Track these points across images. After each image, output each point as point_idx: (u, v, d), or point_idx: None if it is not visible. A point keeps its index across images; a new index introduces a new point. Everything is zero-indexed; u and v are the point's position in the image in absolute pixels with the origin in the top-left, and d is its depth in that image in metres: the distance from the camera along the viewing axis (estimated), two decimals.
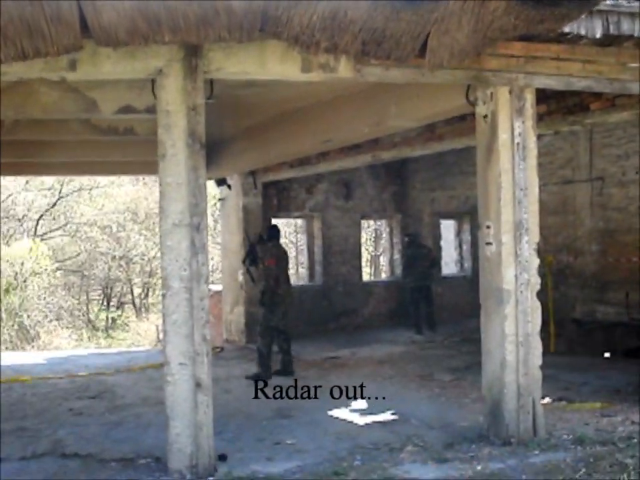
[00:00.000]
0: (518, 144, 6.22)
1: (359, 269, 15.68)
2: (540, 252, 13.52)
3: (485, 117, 6.40)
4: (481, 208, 6.58)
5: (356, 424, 7.30)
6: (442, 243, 16.57)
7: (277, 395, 8.71)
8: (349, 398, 8.39)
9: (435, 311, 14.60)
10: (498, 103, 6.23)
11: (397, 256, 16.34)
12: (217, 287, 14.61)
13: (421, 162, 15.76)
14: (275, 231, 10.49)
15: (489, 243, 6.42)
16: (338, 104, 8.36)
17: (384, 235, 20.76)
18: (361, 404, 8.18)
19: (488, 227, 6.41)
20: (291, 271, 21.74)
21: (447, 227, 17.30)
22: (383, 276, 17.52)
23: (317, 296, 14.87)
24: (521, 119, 6.23)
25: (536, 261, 6.38)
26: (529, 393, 6.24)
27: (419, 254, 14.34)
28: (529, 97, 6.28)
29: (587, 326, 12.89)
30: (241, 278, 13.47)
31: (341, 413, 7.79)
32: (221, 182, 13.28)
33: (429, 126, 9.46)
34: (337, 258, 15.07)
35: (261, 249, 10.37)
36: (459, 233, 17.38)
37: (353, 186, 15.31)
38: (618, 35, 6.02)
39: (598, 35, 5.95)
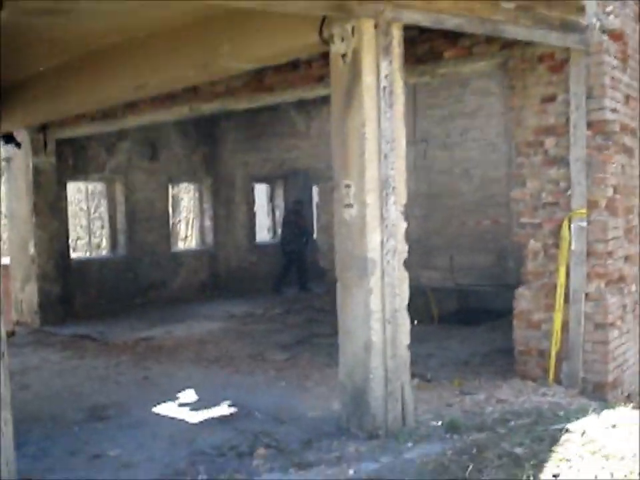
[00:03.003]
0: (384, 88, 5.29)
1: (167, 237, 14.28)
2: None
3: (344, 56, 5.39)
4: (337, 164, 5.61)
5: (189, 422, 6.14)
6: (255, 209, 15.59)
7: (87, 387, 7.33)
8: (175, 390, 7.16)
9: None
10: (362, 39, 5.24)
11: (208, 223, 15.11)
12: (4, 260, 12.60)
13: (233, 121, 14.62)
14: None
15: (348, 205, 5.47)
16: (156, 41, 6.98)
17: (184, 200, 19.43)
18: (190, 395, 7.00)
19: (347, 187, 5.46)
20: (83, 242, 19.84)
21: (260, 192, 16.36)
22: (193, 245, 16.21)
23: (120, 268, 13.31)
24: (388, 59, 5.30)
25: (403, 225, 5.55)
26: (397, 377, 5.41)
27: (290, 220, 14.61)
28: (397, 34, 5.36)
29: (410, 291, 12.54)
30: (32, 250, 11.62)
31: (168, 408, 6.57)
32: (8, 139, 11.27)
33: (257, 75, 8.34)
34: (142, 225, 13.57)
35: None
36: (271, 199, 16.52)
37: (160, 146, 13.83)
38: None
39: None
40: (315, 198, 17.83)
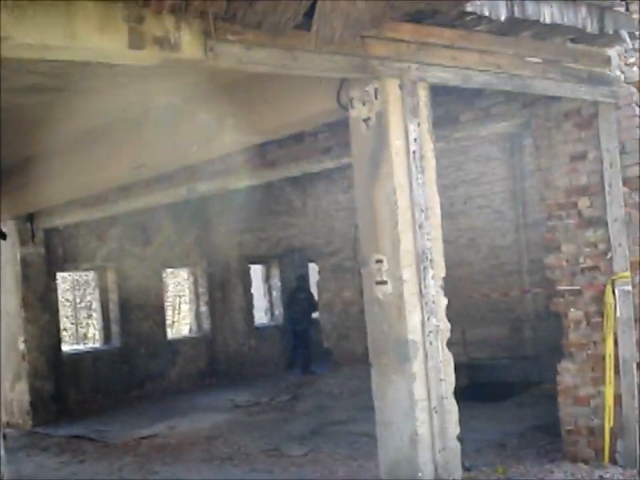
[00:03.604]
0: (414, 152, 4.85)
1: (163, 324, 13.62)
2: None
3: (367, 120, 4.97)
4: (365, 237, 5.11)
5: None
6: (252, 290, 15.02)
7: None
8: None
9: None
10: (387, 101, 4.82)
11: (203, 308, 14.49)
12: None
13: (225, 201, 14.14)
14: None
15: (381, 282, 4.94)
16: (154, 117, 6.58)
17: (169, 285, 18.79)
18: None
19: (379, 262, 4.94)
20: (69, 332, 19.09)
21: (254, 273, 15.81)
22: (185, 332, 15.53)
23: (115, 360, 12.62)
24: (416, 121, 4.87)
25: (444, 301, 5.01)
26: (448, 474, 4.79)
27: (297, 298, 14.14)
28: (423, 94, 4.96)
29: None
30: (22, 346, 10.94)
31: None
32: None
33: (258, 150, 7.93)
34: (136, 314, 12.93)
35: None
36: (267, 279, 15.97)
37: (151, 230, 13.31)
38: (523, 19, 4.90)
39: (503, 17, 4.77)
40: (312, 276, 17.37)
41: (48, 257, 11.41)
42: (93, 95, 6.07)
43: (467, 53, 5.08)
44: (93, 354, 12.86)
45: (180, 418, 10.47)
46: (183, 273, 15.19)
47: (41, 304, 11.18)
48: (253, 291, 14.93)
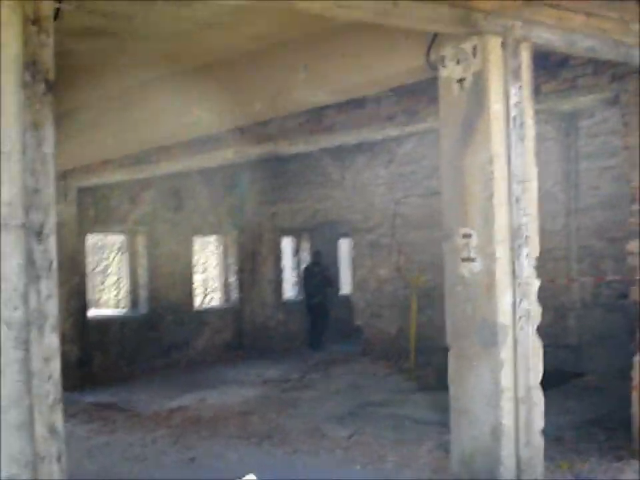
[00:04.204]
0: (514, 118, 4.42)
1: (191, 294, 13.25)
2: (401, 270, 12.17)
3: (461, 80, 4.54)
4: (451, 210, 4.69)
5: None
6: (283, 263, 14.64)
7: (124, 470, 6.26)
8: (232, 477, 6.06)
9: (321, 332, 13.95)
10: (487, 60, 4.39)
11: (232, 279, 14.13)
12: None
13: (260, 170, 13.75)
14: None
15: (467, 259, 4.53)
16: (213, 71, 6.13)
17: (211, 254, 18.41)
18: None
19: (466, 236, 4.53)
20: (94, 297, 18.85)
21: (284, 246, 15.40)
22: (212, 303, 15.15)
23: (141, 327, 12.29)
24: (518, 84, 4.44)
25: (536, 284, 4.58)
26: (532, 470, 4.41)
27: (313, 272, 13.92)
28: (526, 56, 4.52)
29: None
30: None
31: None
32: None
33: (315, 113, 7.49)
34: (165, 281, 12.58)
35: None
36: (297, 252, 15.55)
37: (185, 196, 12.92)
38: None
39: None
40: (342, 252, 16.97)
41: (79, 217, 11.03)
42: (152, 42, 5.65)
43: (573, 14, 4.63)
44: (119, 319, 12.51)
45: (209, 390, 10.13)
46: (213, 242, 14.76)
47: (70, 265, 10.80)
48: (283, 263, 14.55)
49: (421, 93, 6.87)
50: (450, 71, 4.62)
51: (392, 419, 7.99)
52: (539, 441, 4.49)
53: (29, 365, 3.16)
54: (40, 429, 3.16)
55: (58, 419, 3.21)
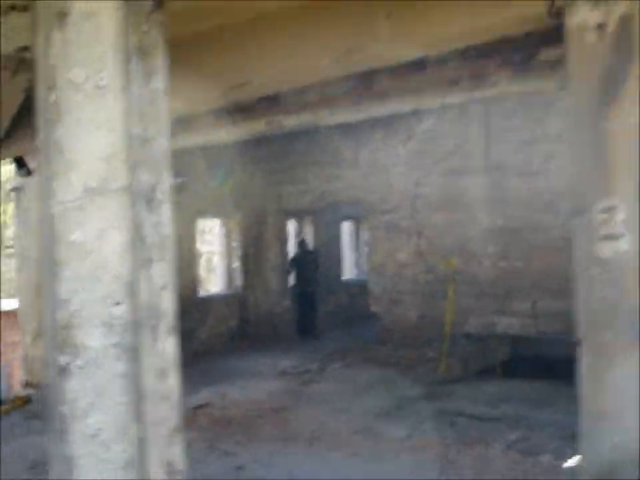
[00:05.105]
0: None
1: (194, 280, 12.41)
2: (423, 255, 11.48)
3: (601, 27, 3.80)
4: (587, 179, 3.96)
5: None
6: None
7: None
8: None
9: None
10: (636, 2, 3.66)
11: (236, 264, 13.31)
12: (8, 305, 10.71)
13: (265, 149, 12.92)
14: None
15: (610, 236, 3.81)
16: (269, 21, 5.26)
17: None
18: None
19: (610, 210, 3.80)
20: None
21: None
22: (215, 289, 14.28)
23: None
24: None
25: None
26: None
27: (304, 259, 13.39)
28: None
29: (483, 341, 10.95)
30: None
31: None
32: (19, 164, 9.43)
33: (363, 79, 6.69)
34: None
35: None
36: (299, 233, 14.78)
37: (188, 175, 12.02)
38: None
39: None
40: (344, 234, 16.27)
41: None
42: None
43: None
44: None
45: (227, 384, 9.36)
46: (216, 225, 13.88)
47: None
48: (288, 248, 13.79)
49: (490, 54, 6.13)
50: (584, 16, 3.87)
51: (443, 415, 7.31)
52: None
53: (138, 381, 2.36)
54: (154, 468, 2.38)
55: (177, 453, 2.44)
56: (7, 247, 18.22)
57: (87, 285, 2.33)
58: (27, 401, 8.81)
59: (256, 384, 9.40)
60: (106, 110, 2.34)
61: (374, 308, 12.04)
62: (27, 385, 9.89)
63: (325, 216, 14.52)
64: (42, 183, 2.44)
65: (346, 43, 4.96)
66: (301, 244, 13.67)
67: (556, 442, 6.12)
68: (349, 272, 16.48)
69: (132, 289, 2.36)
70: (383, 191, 11.77)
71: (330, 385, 9.20)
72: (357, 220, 16.38)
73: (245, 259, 13.22)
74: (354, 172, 12.15)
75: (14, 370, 10.10)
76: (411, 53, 5.01)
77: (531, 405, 7.62)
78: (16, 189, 10.20)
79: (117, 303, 2.35)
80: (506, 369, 10.30)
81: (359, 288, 14.84)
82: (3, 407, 8.54)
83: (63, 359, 2.31)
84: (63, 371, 2.31)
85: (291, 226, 14.50)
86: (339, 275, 15.37)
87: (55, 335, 2.34)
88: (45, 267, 2.43)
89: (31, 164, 9.62)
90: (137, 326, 2.36)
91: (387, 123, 11.43)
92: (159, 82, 2.41)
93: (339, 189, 12.44)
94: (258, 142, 11.98)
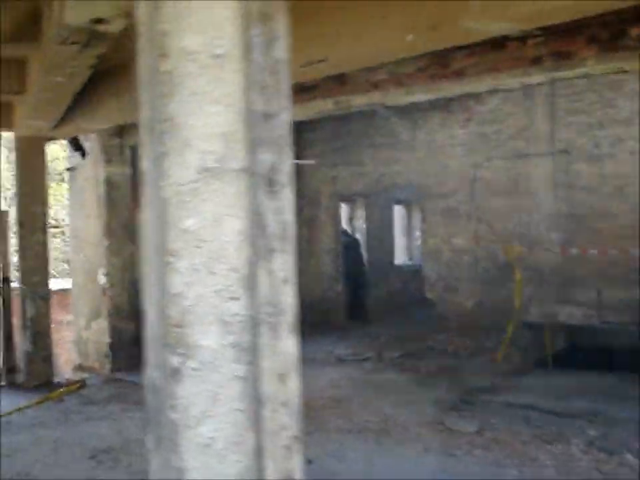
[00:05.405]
0: None
1: None
2: (481, 240, 11.14)
3: None
4: None
5: None
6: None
7: None
8: None
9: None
10: None
11: None
12: (62, 284, 10.66)
13: (319, 130, 12.67)
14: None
15: None
16: None
17: None
18: None
19: None
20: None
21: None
22: None
23: None
24: None
25: None
26: None
27: (349, 244, 13.31)
28: None
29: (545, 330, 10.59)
30: (103, 279, 9.58)
31: None
32: (74, 145, 9.31)
33: (439, 56, 6.38)
34: None
35: None
36: (351, 220, 14.53)
37: None
38: None
39: None
40: (397, 219, 15.98)
41: (135, 179, 9.97)
42: None
43: None
44: None
45: None
46: None
47: (124, 232, 9.78)
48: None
49: (575, 32, 5.77)
50: None
51: (515, 409, 7.02)
52: None
53: (256, 385, 2.11)
54: None
55: (296, 465, 2.18)
56: (53, 227, 18.28)
57: (202, 277, 2.07)
58: (81, 385, 8.70)
59: (316, 371, 9.18)
60: (223, 82, 2.08)
61: (429, 294, 11.76)
62: (80, 368, 9.82)
63: (378, 200, 14.24)
64: (148, 164, 2.18)
65: (432, 17, 4.65)
66: (345, 234, 13.55)
67: None
68: (400, 257, 16.20)
69: (250, 283, 2.11)
70: (439, 175, 11.45)
71: (391, 374, 8.94)
72: (409, 204, 16.07)
73: (298, 242, 12.96)
74: (410, 154, 11.84)
75: (61, 351, 10.05)
76: (501, 28, 4.66)
77: (605, 399, 7.28)
78: (70, 169, 10.08)
79: (234, 298, 2.10)
80: (559, 359, 9.95)
81: (412, 273, 14.56)
82: (57, 391, 8.42)
83: (175, 360, 2.06)
84: (175, 373, 2.06)
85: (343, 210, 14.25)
86: (391, 260, 15.09)
87: (165, 332, 2.09)
88: (150, 256, 2.18)
89: (86, 144, 9.51)
90: (256, 324, 2.12)
91: (445, 104, 11.08)
92: (281, 50, 2.14)
93: (395, 172, 12.14)
94: (311, 123, 11.74)
